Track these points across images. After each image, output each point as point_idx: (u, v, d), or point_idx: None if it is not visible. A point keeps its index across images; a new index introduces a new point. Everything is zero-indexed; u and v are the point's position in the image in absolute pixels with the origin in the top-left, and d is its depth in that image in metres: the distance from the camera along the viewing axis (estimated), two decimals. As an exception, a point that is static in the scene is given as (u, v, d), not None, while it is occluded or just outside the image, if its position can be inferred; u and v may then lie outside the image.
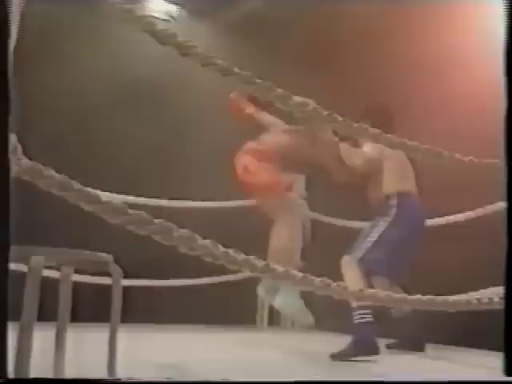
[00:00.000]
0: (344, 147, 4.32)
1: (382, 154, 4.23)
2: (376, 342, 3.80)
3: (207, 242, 1.72)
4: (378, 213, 4.19)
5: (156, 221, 1.63)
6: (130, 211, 1.60)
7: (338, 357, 3.73)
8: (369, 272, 4.05)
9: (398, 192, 4.19)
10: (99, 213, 1.57)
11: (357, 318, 3.85)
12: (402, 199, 4.17)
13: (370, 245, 4.07)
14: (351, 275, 3.99)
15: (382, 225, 4.11)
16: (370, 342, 3.79)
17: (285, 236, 4.05)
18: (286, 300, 3.92)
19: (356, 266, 4.01)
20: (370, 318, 3.85)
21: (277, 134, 4.39)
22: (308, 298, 3.97)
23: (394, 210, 4.13)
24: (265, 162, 4.14)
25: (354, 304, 3.88)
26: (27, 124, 2.60)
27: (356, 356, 3.71)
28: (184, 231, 1.67)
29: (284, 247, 4.03)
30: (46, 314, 2.10)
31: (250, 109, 4.52)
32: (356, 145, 4.41)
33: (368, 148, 4.26)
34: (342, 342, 3.86)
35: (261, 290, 4.09)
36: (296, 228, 4.44)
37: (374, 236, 4.09)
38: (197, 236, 1.70)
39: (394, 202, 4.16)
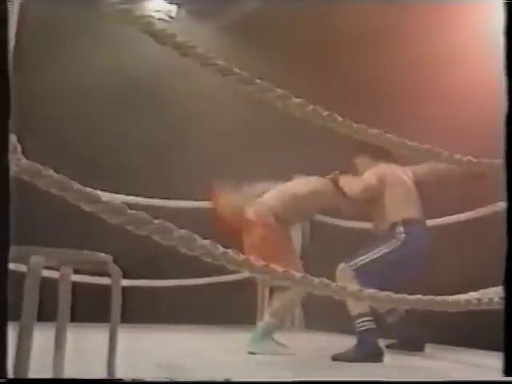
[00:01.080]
0: (344, 180, 4.31)
1: (383, 180, 4.20)
2: (380, 348, 3.81)
3: (206, 242, 1.72)
4: (384, 241, 4.15)
5: (155, 221, 1.63)
6: (130, 211, 1.60)
7: (340, 360, 3.72)
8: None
9: (404, 220, 4.13)
10: (99, 213, 1.57)
11: (359, 327, 3.84)
12: (409, 227, 4.12)
13: (368, 260, 4.04)
14: (345, 283, 3.94)
15: (387, 246, 4.07)
16: (373, 348, 3.80)
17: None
18: (257, 344, 4.07)
19: (351, 275, 3.99)
20: (371, 325, 3.84)
21: (279, 192, 4.41)
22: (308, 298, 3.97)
23: (402, 237, 4.08)
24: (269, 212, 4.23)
25: (354, 312, 3.88)
26: (27, 124, 2.60)
27: (359, 362, 3.69)
28: (183, 231, 1.67)
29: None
30: (46, 314, 2.10)
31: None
32: (356, 174, 4.40)
33: (368, 175, 4.25)
34: (342, 341, 3.86)
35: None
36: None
37: (376, 253, 4.05)
38: (196, 236, 1.70)
39: (400, 229, 4.10)
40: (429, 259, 4.16)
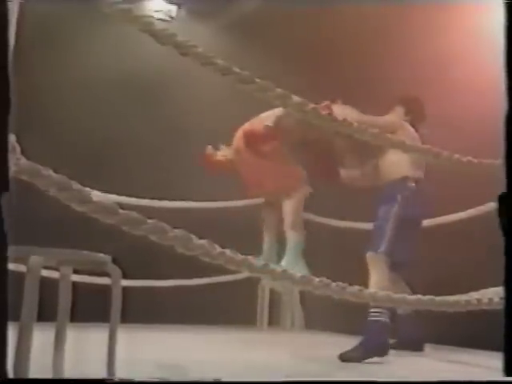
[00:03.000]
0: (339, 108, 4.22)
1: (398, 125, 4.18)
2: (387, 343, 3.76)
3: (203, 241, 1.72)
4: (384, 199, 4.11)
5: (149, 221, 1.62)
6: (121, 211, 1.60)
7: (346, 358, 3.67)
8: (394, 263, 3.97)
9: (415, 177, 4.09)
10: (90, 213, 1.57)
11: (371, 316, 3.79)
12: (417, 184, 4.09)
13: (390, 233, 3.97)
14: (378, 272, 3.91)
15: (393, 210, 4.00)
16: (379, 342, 3.74)
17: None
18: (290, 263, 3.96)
19: (383, 261, 3.94)
20: (383, 318, 3.80)
21: (273, 112, 4.32)
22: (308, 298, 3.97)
23: (404, 193, 4.03)
24: (268, 136, 4.15)
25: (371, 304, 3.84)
26: (26, 124, 2.61)
27: (365, 358, 3.65)
28: (178, 231, 1.67)
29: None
30: (46, 314, 2.09)
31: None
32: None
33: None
34: (342, 341, 3.85)
35: (265, 281, 4.12)
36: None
37: (391, 223, 3.98)
38: (192, 236, 1.70)
39: (411, 184, 4.06)
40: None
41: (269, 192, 4.28)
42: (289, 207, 4.18)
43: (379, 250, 3.95)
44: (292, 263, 3.98)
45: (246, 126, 4.35)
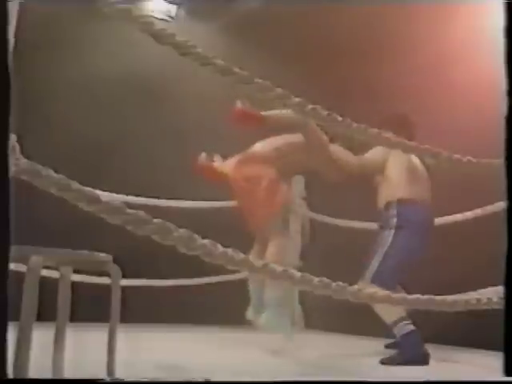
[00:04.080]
0: (335, 148, 4.28)
1: (386, 157, 4.16)
2: (426, 350, 3.73)
3: (206, 241, 1.72)
4: (381, 221, 4.13)
5: (155, 220, 1.62)
6: (129, 211, 1.60)
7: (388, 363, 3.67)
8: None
9: (399, 199, 4.07)
10: (98, 213, 1.57)
11: (400, 331, 3.78)
12: (403, 207, 4.05)
13: (379, 260, 3.96)
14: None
15: (387, 239, 4.00)
16: (418, 350, 3.73)
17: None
18: (272, 319, 3.95)
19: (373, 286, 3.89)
20: (412, 327, 3.78)
21: (269, 141, 4.36)
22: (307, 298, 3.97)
23: (394, 220, 4.02)
24: (261, 164, 4.15)
25: (390, 320, 3.81)
26: (26, 124, 2.61)
27: (406, 365, 3.65)
28: (183, 231, 1.67)
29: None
30: (45, 313, 2.09)
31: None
32: (349, 147, 4.35)
33: (374, 150, 4.23)
34: (342, 341, 3.85)
35: (249, 314, 4.13)
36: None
37: (382, 252, 3.97)
38: (196, 236, 1.70)
39: (393, 211, 4.04)
40: (430, 241, 4.10)
41: (258, 222, 4.27)
42: (270, 252, 4.15)
43: (367, 278, 3.93)
44: (271, 319, 3.96)
45: (241, 158, 4.34)
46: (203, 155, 4.31)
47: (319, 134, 4.17)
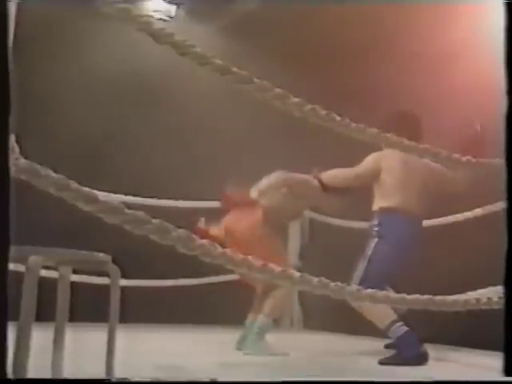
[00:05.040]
0: (327, 174, 4.30)
1: (378, 164, 4.16)
2: (424, 349, 3.75)
3: (205, 241, 1.72)
4: (368, 230, 4.16)
5: (153, 220, 1.62)
6: (127, 211, 1.60)
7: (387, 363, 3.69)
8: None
9: (381, 208, 4.10)
10: (97, 212, 1.56)
11: (395, 333, 3.81)
12: (384, 217, 4.08)
13: (364, 265, 4.01)
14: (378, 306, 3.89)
15: (370, 245, 4.06)
16: (417, 350, 3.75)
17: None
18: (254, 346, 4.05)
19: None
20: (405, 328, 3.80)
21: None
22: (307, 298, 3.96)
23: (375, 229, 4.07)
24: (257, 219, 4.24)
25: (383, 325, 3.84)
26: (26, 123, 2.60)
27: (405, 365, 3.66)
28: (181, 231, 1.67)
29: None
30: (45, 313, 2.09)
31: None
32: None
33: (363, 162, 4.23)
34: (341, 341, 3.85)
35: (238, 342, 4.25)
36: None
37: (366, 258, 4.03)
38: (194, 236, 1.69)
39: (376, 220, 4.09)
40: (413, 251, 4.09)
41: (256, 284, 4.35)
42: (274, 297, 4.22)
43: (357, 283, 3.93)
44: (252, 345, 4.06)
45: (228, 221, 4.38)
46: (202, 220, 4.36)
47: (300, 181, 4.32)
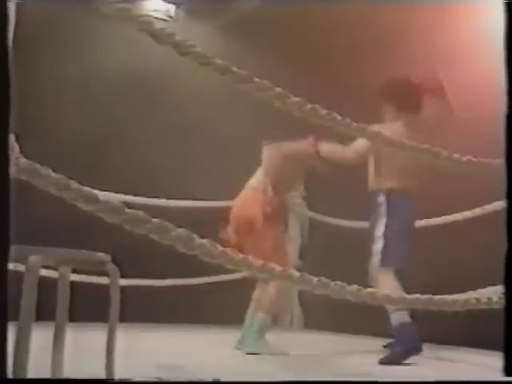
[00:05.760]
0: (327, 146, 4.27)
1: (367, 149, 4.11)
2: (419, 341, 3.78)
3: (205, 241, 1.72)
4: (372, 208, 4.15)
5: (153, 220, 1.62)
6: (128, 210, 1.60)
7: (386, 363, 3.69)
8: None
9: (388, 189, 4.08)
10: (97, 212, 1.56)
11: (394, 320, 3.83)
12: (393, 196, 4.07)
13: (381, 245, 4.01)
14: (389, 285, 3.91)
15: (380, 227, 4.05)
16: (413, 342, 3.78)
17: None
18: (254, 344, 4.04)
19: (388, 274, 3.95)
20: (406, 318, 3.81)
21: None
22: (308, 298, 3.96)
23: (384, 208, 4.05)
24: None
25: (391, 308, 3.86)
26: (26, 123, 2.60)
27: (405, 359, 3.69)
28: (181, 230, 1.67)
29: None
30: (44, 313, 2.09)
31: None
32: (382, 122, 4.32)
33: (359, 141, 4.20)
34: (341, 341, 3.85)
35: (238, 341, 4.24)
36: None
37: (381, 236, 4.03)
38: (194, 235, 1.69)
39: (383, 199, 4.07)
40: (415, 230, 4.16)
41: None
42: (269, 294, 4.23)
43: (379, 265, 3.96)
44: (252, 344, 4.05)
45: (234, 212, 4.42)
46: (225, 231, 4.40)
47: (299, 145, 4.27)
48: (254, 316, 4.21)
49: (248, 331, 4.16)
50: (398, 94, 4.21)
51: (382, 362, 3.68)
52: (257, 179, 4.42)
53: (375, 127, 4.13)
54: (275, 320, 6.23)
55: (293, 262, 4.71)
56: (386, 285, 3.88)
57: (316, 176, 4.57)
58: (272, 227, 4.27)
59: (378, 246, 4.02)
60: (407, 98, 4.19)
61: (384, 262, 3.96)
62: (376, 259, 4.01)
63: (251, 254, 4.17)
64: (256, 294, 4.41)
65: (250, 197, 4.37)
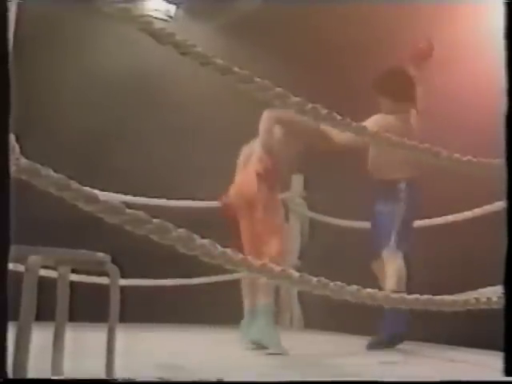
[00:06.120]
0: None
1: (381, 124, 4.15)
2: (405, 329, 4.01)
3: (205, 241, 1.72)
4: (385, 193, 4.30)
5: (154, 220, 1.62)
6: (128, 211, 1.60)
7: (374, 347, 3.83)
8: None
9: (407, 179, 4.27)
10: (97, 212, 1.56)
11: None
12: (409, 185, 4.27)
13: (398, 229, 4.22)
14: (397, 267, 4.05)
15: (397, 211, 4.24)
16: (400, 329, 3.98)
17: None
18: (262, 330, 3.94)
19: (400, 257, 4.09)
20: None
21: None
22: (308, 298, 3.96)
23: (401, 196, 4.25)
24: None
25: (393, 286, 4.04)
26: (26, 123, 2.61)
27: (393, 344, 3.81)
28: (181, 231, 1.67)
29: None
30: (44, 313, 2.09)
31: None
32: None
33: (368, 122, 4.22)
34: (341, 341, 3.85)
35: (241, 327, 4.26)
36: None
37: (397, 223, 4.23)
38: (195, 236, 1.70)
39: (403, 186, 4.26)
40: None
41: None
42: (270, 249, 4.14)
43: (395, 247, 4.08)
44: (263, 327, 3.95)
45: (237, 184, 4.42)
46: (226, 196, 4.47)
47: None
48: (254, 303, 4.14)
49: (253, 319, 4.08)
50: (394, 85, 4.29)
51: (368, 347, 3.98)
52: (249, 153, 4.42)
53: (370, 121, 4.21)
54: (275, 320, 6.24)
55: (290, 261, 4.69)
56: (396, 267, 4.01)
57: (316, 176, 4.57)
58: (264, 189, 4.16)
59: (395, 229, 4.22)
60: (401, 86, 4.31)
61: (399, 244, 4.19)
62: (392, 241, 4.19)
63: (248, 219, 4.22)
64: (246, 281, 4.38)
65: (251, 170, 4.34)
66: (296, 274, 2.01)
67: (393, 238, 4.20)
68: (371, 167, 4.43)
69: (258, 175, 4.11)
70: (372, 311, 3.83)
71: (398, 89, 4.33)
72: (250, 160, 4.36)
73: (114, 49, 6.22)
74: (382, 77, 4.45)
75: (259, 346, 3.90)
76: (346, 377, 3.15)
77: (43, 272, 2.03)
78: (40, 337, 2.04)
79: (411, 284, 4.17)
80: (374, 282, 4.23)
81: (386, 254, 4.21)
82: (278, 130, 4.25)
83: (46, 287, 2.09)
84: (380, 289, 4.20)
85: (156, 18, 6.34)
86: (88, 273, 4.38)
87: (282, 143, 4.26)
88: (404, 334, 4.05)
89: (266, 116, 4.20)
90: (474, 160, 2.78)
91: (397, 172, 4.28)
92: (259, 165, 4.13)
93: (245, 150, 4.53)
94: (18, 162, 1.49)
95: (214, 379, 1.97)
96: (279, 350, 3.81)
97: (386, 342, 4.05)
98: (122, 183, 5.45)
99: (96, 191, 4.27)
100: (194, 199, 5.85)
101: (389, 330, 4.03)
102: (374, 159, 4.39)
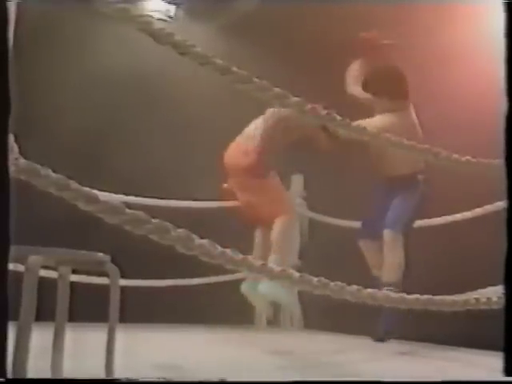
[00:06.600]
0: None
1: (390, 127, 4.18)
2: (392, 328, 4.10)
3: (204, 241, 1.72)
4: (403, 186, 4.37)
5: (153, 220, 1.62)
6: (128, 211, 1.60)
7: (380, 337, 3.86)
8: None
9: (421, 170, 4.37)
10: (97, 212, 1.56)
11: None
12: (426, 178, 4.39)
13: (407, 217, 4.30)
14: (398, 251, 4.09)
15: (414, 199, 4.33)
16: (390, 327, 4.08)
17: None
18: (275, 285, 3.90)
19: (400, 240, 4.20)
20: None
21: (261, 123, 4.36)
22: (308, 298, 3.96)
23: (421, 186, 4.35)
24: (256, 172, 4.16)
25: (389, 278, 4.11)
26: (26, 123, 2.61)
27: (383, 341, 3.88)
28: (181, 231, 1.67)
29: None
30: (44, 313, 2.09)
31: None
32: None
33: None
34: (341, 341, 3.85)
35: (244, 287, 4.22)
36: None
37: (410, 210, 4.32)
38: (194, 236, 1.70)
39: (421, 177, 4.37)
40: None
41: (259, 218, 4.31)
42: (276, 233, 4.20)
43: (398, 230, 4.11)
44: (271, 286, 3.93)
45: (227, 157, 4.47)
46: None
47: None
48: (266, 259, 4.07)
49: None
50: (387, 83, 4.32)
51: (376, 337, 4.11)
52: (251, 129, 4.45)
53: (365, 122, 4.22)
54: (275, 320, 6.24)
55: (290, 261, 4.69)
56: (397, 253, 4.18)
57: (316, 176, 4.57)
58: (250, 179, 4.24)
59: (406, 215, 4.31)
60: (394, 83, 4.40)
61: (404, 229, 4.26)
62: (398, 224, 4.25)
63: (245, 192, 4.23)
64: (258, 241, 4.38)
65: (241, 143, 4.36)
66: (296, 274, 2.01)
67: (400, 222, 4.26)
68: (385, 166, 4.43)
69: (243, 169, 4.22)
70: (372, 311, 3.84)
71: (392, 86, 4.33)
72: (247, 134, 4.36)
73: (113, 49, 6.21)
74: (373, 77, 4.45)
75: (272, 302, 3.90)
76: (345, 377, 3.15)
77: (43, 272, 2.02)
78: (40, 337, 2.04)
79: (411, 284, 4.17)
80: (374, 281, 4.22)
81: (388, 234, 4.23)
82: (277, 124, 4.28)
83: (46, 287, 2.09)
84: (367, 268, 4.31)
85: (156, 18, 6.34)
86: (88, 273, 4.38)
87: (278, 132, 4.28)
88: (388, 335, 4.09)
89: (272, 113, 4.28)
90: (474, 160, 2.78)
91: (415, 166, 4.36)
92: (244, 158, 4.22)
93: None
94: (16, 162, 1.49)
95: (214, 379, 1.97)
96: (293, 306, 3.84)
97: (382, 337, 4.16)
98: (121, 183, 5.45)
99: (96, 191, 4.29)
100: (194, 199, 5.85)
101: (384, 326, 4.07)
102: (390, 158, 4.39)
